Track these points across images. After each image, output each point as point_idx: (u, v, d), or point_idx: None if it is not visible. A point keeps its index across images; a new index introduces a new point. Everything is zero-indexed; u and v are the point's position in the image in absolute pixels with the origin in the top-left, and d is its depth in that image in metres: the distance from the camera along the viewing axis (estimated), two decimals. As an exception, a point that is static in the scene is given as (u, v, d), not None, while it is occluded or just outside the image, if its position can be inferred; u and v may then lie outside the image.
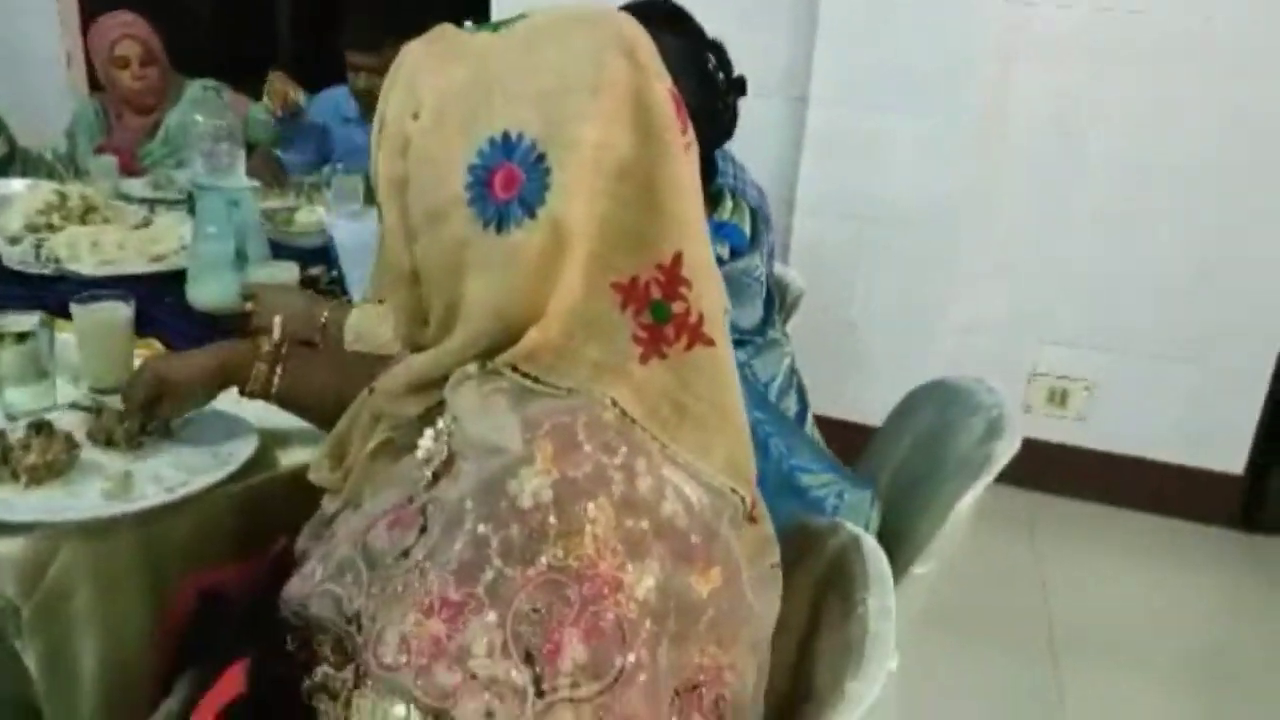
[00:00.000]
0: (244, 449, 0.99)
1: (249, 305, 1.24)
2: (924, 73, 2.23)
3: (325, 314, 1.18)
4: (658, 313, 0.58)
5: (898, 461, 1.18)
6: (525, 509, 0.52)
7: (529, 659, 0.51)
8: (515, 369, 0.58)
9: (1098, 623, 2.11)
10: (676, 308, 0.58)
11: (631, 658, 0.52)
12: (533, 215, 0.56)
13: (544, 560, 0.52)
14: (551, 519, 0.52)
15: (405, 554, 0.55)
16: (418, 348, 0.66)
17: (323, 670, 0.59)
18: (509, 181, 0.57)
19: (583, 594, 0.51)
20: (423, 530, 0.56)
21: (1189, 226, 2.31)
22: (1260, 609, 2.24)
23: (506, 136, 0.57)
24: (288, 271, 1.40)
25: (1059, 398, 2.51)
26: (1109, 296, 2.41)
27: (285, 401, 0.97)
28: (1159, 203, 2.31)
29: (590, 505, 0.53)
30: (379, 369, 0.70)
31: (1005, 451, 0.98)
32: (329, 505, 0.72)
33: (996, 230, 2.41)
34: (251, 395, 0.97)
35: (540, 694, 0.50)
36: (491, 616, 0.51)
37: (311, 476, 0.75)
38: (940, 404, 1.15)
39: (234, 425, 1.03)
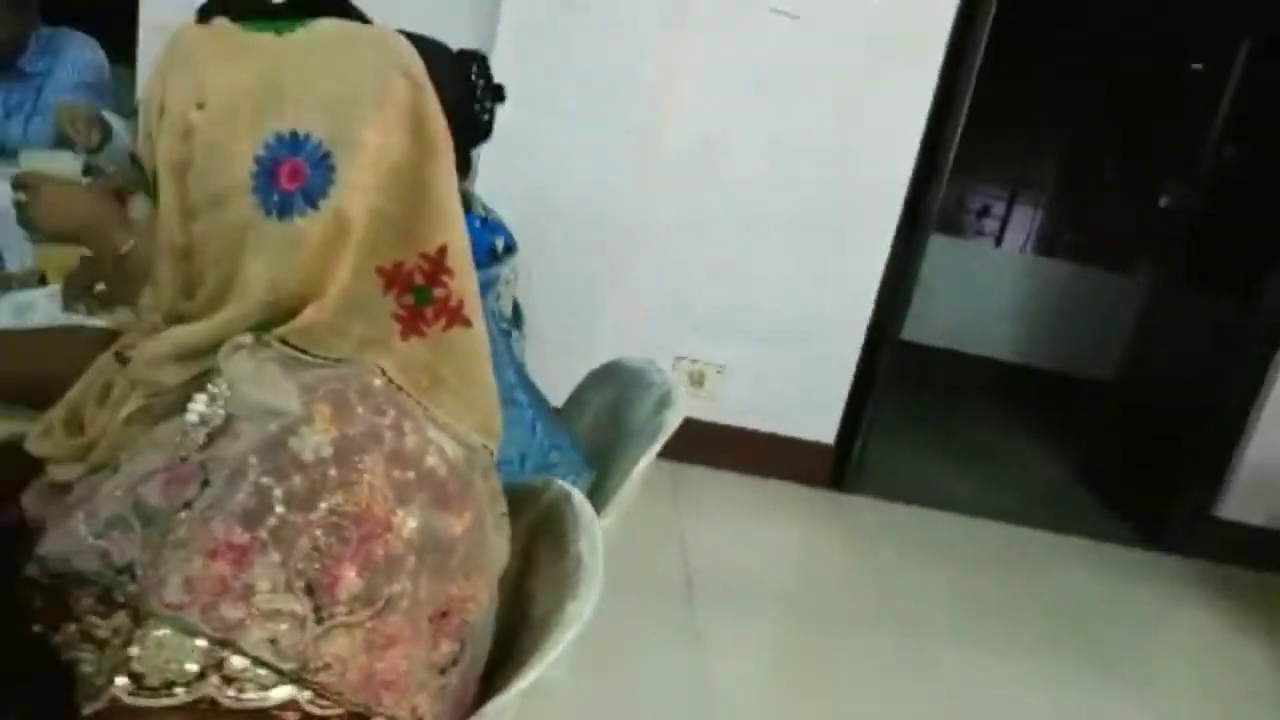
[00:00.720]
0: None
1: (19, 197, 1.03)
2: (593, 85, 2.45)
3: (132, 242, 0.97)
4: (420, 296, 0.67)
5: (582, 434, 1.35)
6: (308, 462, 0.59)
7: (310, 591, 0.57)
8: (285, 342, 0.64)
9: (723, 568, 2.48)
10: (438, 293, 0.67)
11: (397, 588, 0.60)
12: (315, 206, 0.63)
13: (324, 506, 0.58)
14: (332, 471, 0.59)
15: (188, 505, 0.59)
16: (177, 319, 0.68)
17: (86, 620, 0.61)
18: (294, 174, 0.63)
19: (359, 534, 0.59)
20: (205, 484, 0.60)
21: (804, 237, 2.77)
22: (842, 553, 2.77)
23: (294, 135, 0.63)
24: (69, 163, 1.17)
25: (698, 379, 2.88)
26: (739, 293, 2.81)
27: None
28: (779, 216, 2.74)
29: (366, 458, 0.60)
30: (85, 345, 0.70)
31: (674, 420, 1.16)
32: (59, 472, 0.71)
33: (650, 232, 2.71)
34: None
35: (319, 621, 0.57)
36: (275, 557, 0.57)
37: (33, 447, 0.73)
38: (618, 383, 1.32)
39: None
